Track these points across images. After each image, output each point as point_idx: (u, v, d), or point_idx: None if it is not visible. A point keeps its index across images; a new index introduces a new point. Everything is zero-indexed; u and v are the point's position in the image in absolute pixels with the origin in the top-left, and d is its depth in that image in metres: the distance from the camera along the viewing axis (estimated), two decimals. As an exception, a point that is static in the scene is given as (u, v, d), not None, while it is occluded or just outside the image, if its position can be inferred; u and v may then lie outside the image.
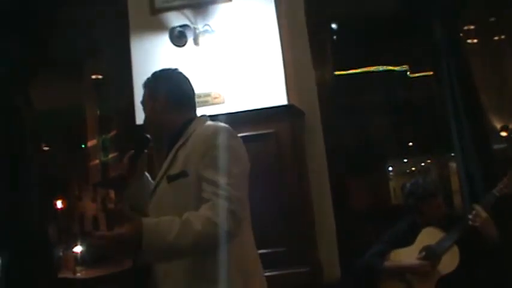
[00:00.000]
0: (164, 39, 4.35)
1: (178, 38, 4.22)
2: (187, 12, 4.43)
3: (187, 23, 4.34)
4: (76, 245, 8.24)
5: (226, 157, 2.21)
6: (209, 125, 2.38)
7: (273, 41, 4.34)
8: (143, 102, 2.58)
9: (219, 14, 4.40)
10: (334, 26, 4.94)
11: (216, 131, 2.29)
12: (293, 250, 3.98)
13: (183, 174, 2.24)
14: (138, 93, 4.38)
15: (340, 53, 4.86)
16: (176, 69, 2.61)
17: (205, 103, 4.27)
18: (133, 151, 2.55)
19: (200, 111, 4.14)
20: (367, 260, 4.06)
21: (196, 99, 4.15)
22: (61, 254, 8.31)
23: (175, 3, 4.47)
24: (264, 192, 4.07)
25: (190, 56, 4.35)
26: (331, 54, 4.80)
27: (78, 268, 7.72)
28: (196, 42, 4.32)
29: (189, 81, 2.58)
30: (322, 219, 4.32)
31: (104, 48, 5.01)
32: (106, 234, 2.03)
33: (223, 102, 4.29)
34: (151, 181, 2.57)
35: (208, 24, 4.31)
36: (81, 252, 8.20)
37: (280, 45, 4.34)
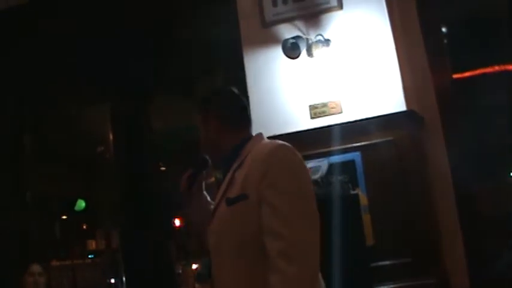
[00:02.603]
0: (277, 52, 4.34)
1: (292, 49, 4.19)
2: (299, 23, 4.42)
3: (300, 34, 4.32)
4: (194, 263, 8.37)
5: (286, 179, 2.06)
6: (266, 143, 2.23)
7: (387, 47, 4.25)
8: (199, 124, 2.41)
9: (330, 23, 4.37)
10: (449, 28, 4.77)
11: (274, 148, 2.14)
12: (419, 261, 3.88)
13: (242, 197, 2.09)
14: (254, 108, 4.44)
15: (457, 55, 4.68)
16: (227, 87, 2.48)
17: (322, 113, 4.25)
18: (191, 171, 2.47)
19: (318, 122, 4.21)
20: (503, 270, 3.86)
21: (313, 110, 4.30)
22: (180, 271, 8.47)
23: (286, 15, 4.48)
24: (387, 202, 4.00)
25: (304, 67, 4.34)
26: (448, 56, 4.63)
27: (196, 285, 7.82)
28: (309, 53, 4.29)
29: (241, 98, 2.43)
30: (448, 228, 4.15)
31: (218, 65, 5.07)
32: None
33: (340, 112, 4.23)
34: (211, 201, 2.47)
35: (321, 34, 4.27)
36: (197, 269, 8.32)
37: (395, 51, 4.24)
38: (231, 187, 2.17)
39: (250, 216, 2.06)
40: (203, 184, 2.52)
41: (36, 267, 4.78)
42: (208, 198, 2.53)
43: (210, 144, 2.37)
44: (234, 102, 2.40)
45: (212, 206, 2.37)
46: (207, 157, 2.44)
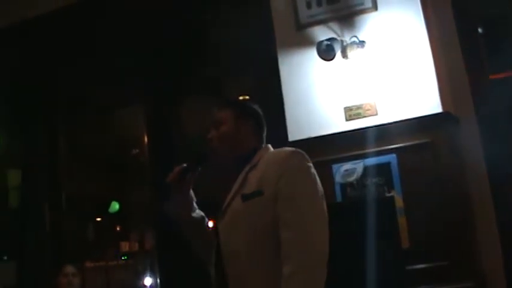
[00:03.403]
0: (312, 54, 4.34)
1: (326, 51, 4.17)
2: (333, 25, 4.40)
3: (334, 35, 4.31)
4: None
5: (302, 178, 2.32)
6: (281, 149, 2.48)
7: (422, 47, 4.20)
8: (221, 119, 2.56)
9: (365, 24, 4.34)
10: (486, 27, 4.70)
11: (291, 153, 2.40)
12: (455, 264, 3.83)
13: (258, 193, 2.32)
14: (289, 111, 4.44)
15: (494, 56, 4.61)
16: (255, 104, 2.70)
17: (357, 116, 4.23)
18: (185, 165, 2.54)
19: (353, 124, 4.21)
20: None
21: (348, 112, 4.28)
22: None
23: (320, 17, 4.46)
24: (423, 205, 3.96)
25: (339, 69, 4.32)
26: (484, 57, 4.57)
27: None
28: (344, 54, 4.27)
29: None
30: (485, 231, 4.08)
31: (251, 68, 5.07)
32: None
33: (375, 114, 4.20)
34: (194, 197, 2.63)
35: (355, 36, 4.25)
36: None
37: (431, 51, 4.19)
38: (245, 186, 2.39)
39: (264, 211, 2.28)
40: (192, 181, 2.58)
41: (69, 268, 4.81)
42: (193, 196, 2.63)
43: (229, 142, 2.52)
44: (262, 118, 2.63)
45: (195, 203, 2.62)
46: (207, 155, 2.56)
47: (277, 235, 2.22)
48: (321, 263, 2.18)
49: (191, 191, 2.63)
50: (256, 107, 2.64)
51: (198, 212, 2.65)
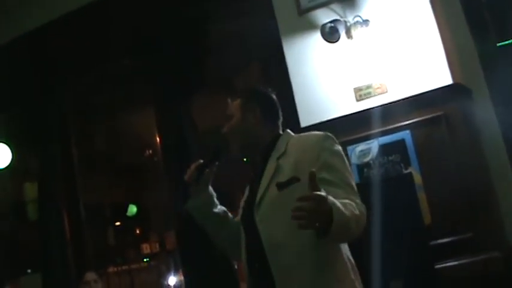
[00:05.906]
0: (316, 38, 4.32)
1: (331, 34, 4.15)
2: (335, 6, 4.36)
3: (337, 17, 4.27)
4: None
5: (338, 160, 2.33)
6: (310, 133, 2.47)
7: (427, 21, 4.17)
8: (231, 112, 2.57)
9: (367, 3, 4.30)
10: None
11: (322, 136, 2.38)
12: (480, 235, 3.80)
13: (294, 180, 2.28)
14: (298, 97, 4.42)
15: (499, 23, 4.56)
16: (269, 89, 2.67)
17: (367, 95, 4.20)
18: (202, 161, 2.54)
19: (364, 104, 4.19)
20: None
21: (358, 92, 4.25)
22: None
23: (322, 0, 4.42)
24: (442, 179, 3.93)
25: (345, 50, 4.29)
26: (490, 25, 4.52)
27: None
28: (348, 35, 4.24)
29: (278, 102, 2.65)
30: (507, 199, 4.04)
31: (257, 58, 5.05)
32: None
33: (386, 92, 4.17)
34: (214, 192, 2.61)
35: (358, 15, 4.21)
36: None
37: (436, 23, 4.15)
38: (279, 174, 2.34)
39: None
40: (210, 176, 2.59)
41: (90, 275, 4.80)
42: (213, 192, 2.62)
43: (238, 134, 2.51)
44: (274, 100, 2.61)
45: (215, 198, 2.60)
46: (223, 149, 2.54)
47: None
48: (364, 218, 2.18)
49: (210, 187, 2.61)
50: (265, 92, 2.62)
51: (220, 208, 2.62)
